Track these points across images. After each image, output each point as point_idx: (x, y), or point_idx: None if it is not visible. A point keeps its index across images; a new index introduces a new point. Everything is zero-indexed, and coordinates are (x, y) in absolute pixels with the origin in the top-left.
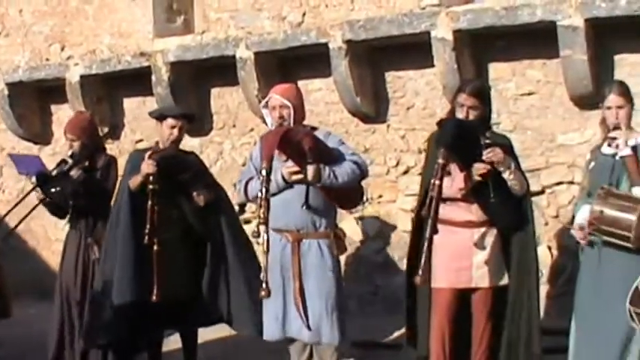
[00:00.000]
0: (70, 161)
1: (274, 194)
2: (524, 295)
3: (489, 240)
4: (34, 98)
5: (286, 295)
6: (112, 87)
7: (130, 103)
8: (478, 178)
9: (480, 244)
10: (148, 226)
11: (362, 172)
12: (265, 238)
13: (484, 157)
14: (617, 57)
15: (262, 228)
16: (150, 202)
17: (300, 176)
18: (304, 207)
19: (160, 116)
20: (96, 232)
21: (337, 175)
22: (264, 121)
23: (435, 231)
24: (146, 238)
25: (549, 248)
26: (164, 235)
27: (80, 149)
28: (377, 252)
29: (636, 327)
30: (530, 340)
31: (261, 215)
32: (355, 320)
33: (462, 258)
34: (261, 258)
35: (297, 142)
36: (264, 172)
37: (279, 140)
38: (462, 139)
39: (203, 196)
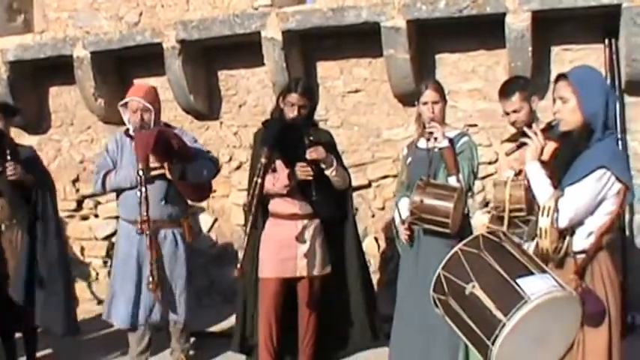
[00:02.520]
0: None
1: (131, 188)
2: (352, 282)
3: (313, 231)
4: None
5: (139, 283)
6: None
7: None
8: (304, 177)
9: (304, 236)
10: None
11: (217, 168)
12: (148, 233)
13: (307, 156)
14: (437, 56)
15: (146, 225)
16: None
17: (162, 172)
18: (163, 202)
19: None
20: None
21: (199, 172)
22: (103, 120)
23: (254, 226)
24: None
25: (376, 239)
26: None
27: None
28: (211, 245)
29: (440, 313)
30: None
31: (144, 213)
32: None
33: (287, 248)
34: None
35: (167, 143)
36: (141, 173)
37: (154, 142)
38: (286, 138)
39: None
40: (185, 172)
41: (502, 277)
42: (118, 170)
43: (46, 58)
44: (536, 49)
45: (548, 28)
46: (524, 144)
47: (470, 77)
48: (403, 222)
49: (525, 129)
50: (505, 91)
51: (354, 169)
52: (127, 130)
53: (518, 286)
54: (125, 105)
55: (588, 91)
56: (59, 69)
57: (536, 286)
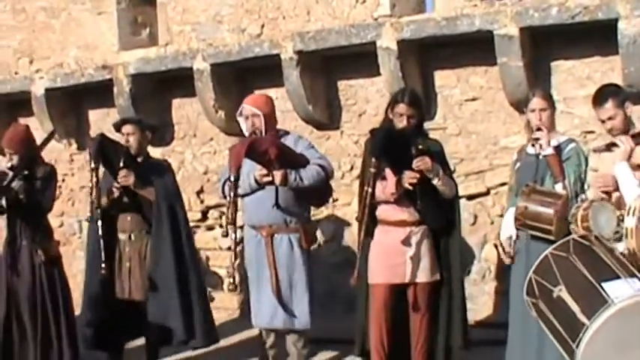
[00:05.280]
0: (10, 173)
1: (248, 194)
2: (450, 291)
3: (421, 238)
4: (2, 111)
5: (261, 287)
6: (77, 99)
7: (94, 115)
8: (408, 187)
9: (412, 242)
10: None
11: (327, 173)
12: (233, 237)
13: (413, 166)
14: (553, 63)
15: (230, 228)
16: None
17: (268, 179)
18: (274, 207)
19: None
20: (37, 236)
21: (303, 177)
22: (224, 131)
23: (367, 234)
24: None
25: (495, 247)
26: None
27: (19, 161)
28: (333, 253)
29: (534, 315)
30: (454, 334)
31: (229, 216)
32: (314, 318)
33: (396, 255)
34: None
35: (262, 152)
36: (232, 179)
37: (246, 151)
38: (394, 147)
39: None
40: (286, 178)
41: (588, 281)
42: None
43: (168, 71)
44: None
45: None
46: (614, 144)
47: (585, 84)
48: (508, 238)
49: (616, 138)
50: (598, 99)
51: (473, 177)
52: None
53: (603, 289)
54: (241, 114)
55: None
56: (181, 81)
57: (622, 290)
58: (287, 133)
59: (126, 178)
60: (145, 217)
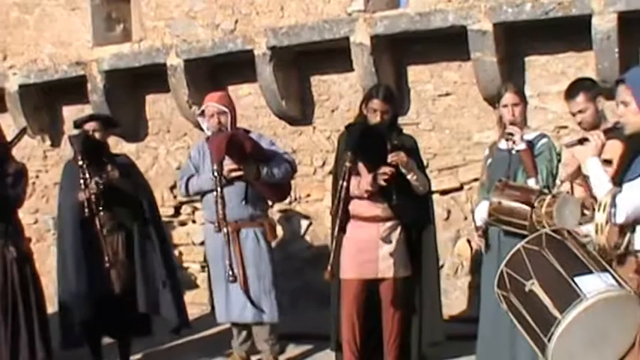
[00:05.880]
0: None
1: (212, 190)
2: (426, 286)
3: (394, 234)
4: None
5: (229, 282)
6: (51, 96)
7: (68, 111)
8: (383, 183)
9: (385, 238)
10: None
11: (293, 169)
12: (225, 231)
13: (389, 161)
14: (527, 59)
15: (222, 223)
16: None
17: (239, 173)
18: (243, 202)
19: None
20: (9, 234)
21: (274, 172)
22: (198, 127)
23: (341, 229)
24: None
25: (468, 242)
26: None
27: None
28: (306, 248)
29: (504, 308)
30: (433, 329)
31: (220, 212)
32: (286, 314)
33: (368, 250)
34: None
35: (240, 145)
36: (216, 174)
37: (227, 145)
38: (368, 143)
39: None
40: (259, 172)
41: (561, 275)
42: (199, 174)
43: (141, 67)
44: (624, 50)
45: (636, 29)
46: (585, 139)
47: (559, 79)
48: (477, 229)
49: (587, 133)
50: (570, 92)
51: (446, 172)
52: (208, 137)
53: (575, 284)
54: (202, 114)
55: None
56: (155, 77)
57: (594, 285)
58: (248, 131)
59: (113, 172)
60: (115, 212)
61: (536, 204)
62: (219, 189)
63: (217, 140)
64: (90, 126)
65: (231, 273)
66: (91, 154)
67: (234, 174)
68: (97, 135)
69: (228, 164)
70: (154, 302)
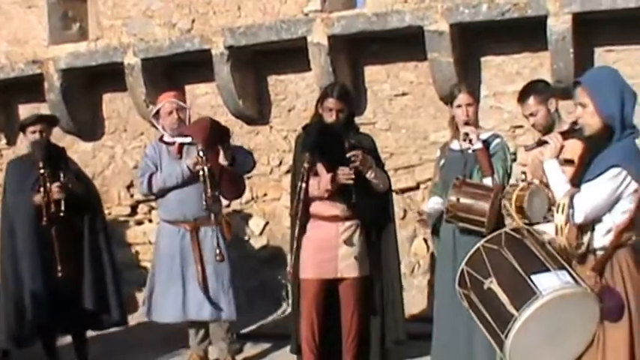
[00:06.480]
0: None
1: (173, 188)
2: (388, 285)
3: (353, 233)
4: None
5: (185, 280)
6: (7, 94)
7: (24, 110)
8: (345, 181)
9: (347, 240)
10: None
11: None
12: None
13: (348, 156)
14: (482, 59)
15: (210, 200)
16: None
17: (200, 166)
18: (204, 202)
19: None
20: None
21: (245, 160)
22: (155, 126)
23: (301, 230)
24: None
25: (425, 240)
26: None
27: None
28: (262, 248)
29: (465, 306)
30: (396, 327)
31: (209, 190)
32: (242, 313)
33: (327, 250)
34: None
35: (219, 129)
36: (201, 154)
37: (210, 127)
38: (326, 142)
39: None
40: (235, 158)
41: (518, 273)
42: (162, 170)
43: (98, 66)
44: (579, 50)
45: (591, 30)
46: (544, 142)
47: (515, 79)
48: (420, 213)
49: (546, 136)
50: (521, 96)
51: (403, 172)
52: (162, 137)
53: (532, 281)
54: (157, 114)
55: (603, 93)
56: (112, 76)
57: (550, 282)
58: None
59: (69, 178)
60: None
61: (508, 187)
62: (205, 168)
63: (200, 122)
64: (39, 127)
65: (218, 252)
66: (52, 161)
67: (197, 167)
68: (44, 135)
69: (193, 157)
70: (102, 299)
